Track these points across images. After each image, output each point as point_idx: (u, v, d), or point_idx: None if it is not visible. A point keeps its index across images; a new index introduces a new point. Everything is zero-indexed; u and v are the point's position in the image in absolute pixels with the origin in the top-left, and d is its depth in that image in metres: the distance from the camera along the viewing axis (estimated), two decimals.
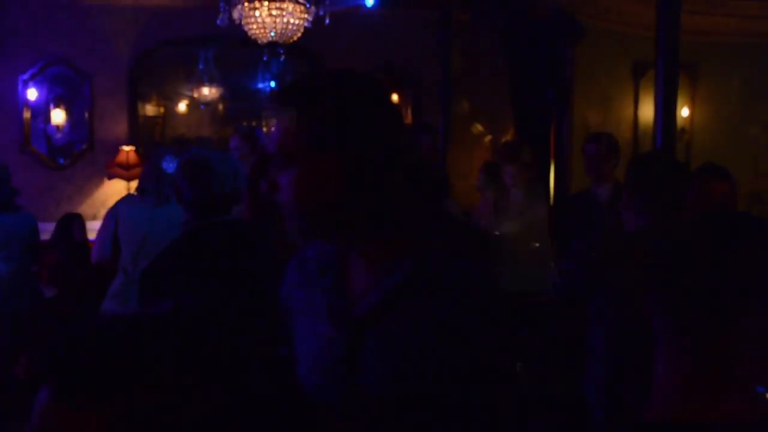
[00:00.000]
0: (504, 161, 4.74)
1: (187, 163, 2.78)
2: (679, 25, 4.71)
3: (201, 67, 7.63)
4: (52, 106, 7.27)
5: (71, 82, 7.28)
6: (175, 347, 0.75)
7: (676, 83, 4.79)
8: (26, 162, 7.15)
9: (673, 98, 4.76)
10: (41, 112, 7.26)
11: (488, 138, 8.32)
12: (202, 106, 7.78)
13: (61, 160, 7.32)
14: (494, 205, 4.81)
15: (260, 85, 7.86)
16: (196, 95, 7.75)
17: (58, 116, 7.29)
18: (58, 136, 7.34)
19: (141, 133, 7.49)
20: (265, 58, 6.17)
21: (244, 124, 7.75)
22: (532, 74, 7.20)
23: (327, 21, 5.11)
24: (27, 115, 7.15)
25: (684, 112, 8.71)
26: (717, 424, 1.08)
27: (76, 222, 6.35)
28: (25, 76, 7.09)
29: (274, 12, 5.01)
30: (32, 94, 7.15)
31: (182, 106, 7.77)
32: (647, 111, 8.23)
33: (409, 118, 8.14)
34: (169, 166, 4.01)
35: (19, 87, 7.09)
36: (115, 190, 7.29)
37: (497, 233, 4.61)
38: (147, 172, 4.12)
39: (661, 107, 4.71)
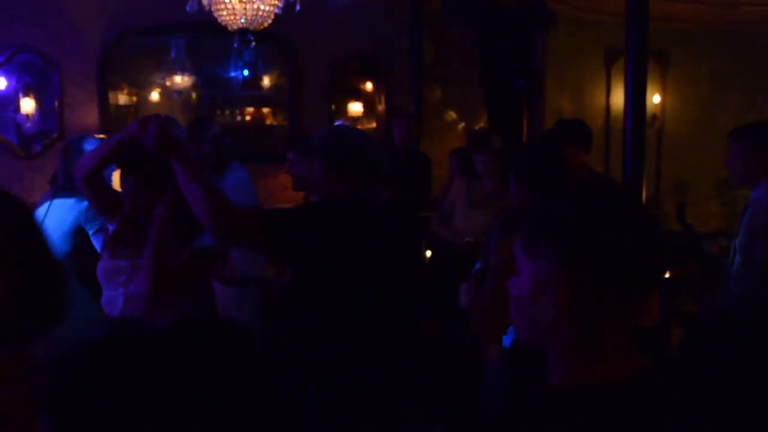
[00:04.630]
0: (473, 150, 4.78)
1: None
2: (647, 12, 4.75)
3: (173, 55, 7.57)
4: (21, 94, 7.18)
5: (40, 70, 7.19)
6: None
7: (646, 70, 4.83)
8: None
9: (642, 84, 4.80)
10: (10, 101, 7.17)
11: (461, 126, 8.34)
12: (174, 95, 7.73)
13: (32, 149, 7.24)
14: (466, 192, 4.81)
15: (232, 73, 7.82)
16: (168, 83, 7.69)
17: (27, 105, 7.20)
18: (28, 125, 7.25)
19: (113, 121, 7.42)
20: (236, 46, 6.13)
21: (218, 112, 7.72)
22: (503, 61, 7.22)
23: (298, 8, 5.08)
24: None
25: (655, 98, 8.77)
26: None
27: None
28: None
29: None
30: (1, 83, 7.06)
31: (155, 95, 7.70)
32: (619, 98, 8.27)
33: (382, 107, 8.14)
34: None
35: None
36: None
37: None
38: (66, 167, 3.98)
39: (630, 94, 4.75)
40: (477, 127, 7.57)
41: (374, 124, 8.21)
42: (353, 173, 2.69)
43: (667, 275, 4.59)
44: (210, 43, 7.54)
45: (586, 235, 1.18)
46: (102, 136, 6.96)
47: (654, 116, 8.50)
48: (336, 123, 3.14)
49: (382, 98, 8.11)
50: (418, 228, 2.90)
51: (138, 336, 0.80)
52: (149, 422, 0.74)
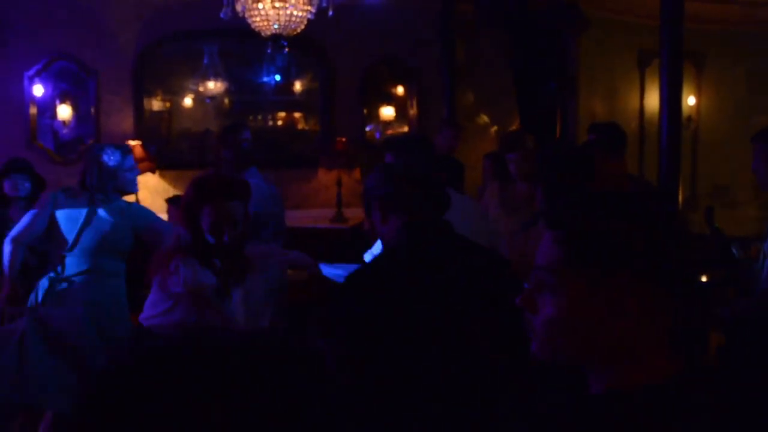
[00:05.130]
0: (507, 149, 4.68)
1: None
2: (683, 14, 4.71)
3: (206, 61, 7.64)
4: (57, 101, 7.29)
5: (76, 77, 7.30)
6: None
7: (681, 72, 4.79)
8: (33, 158, 7.11)
9: (678, 87, 4.76)
10: (47, 107, 7.28)
11: (493, 129, 8.31)
12: (207, 100, 7.79)
13: (68, 156, 7.34)
14: (499, 197, 4.77)
15: (265, 78, 7.87)
16: (201, 89, 7.76)
17: (64, 112, 7.31)
18: (65, 131, 7.36)
19: (147, 127, 7.51)
20: (269, 51, 6.17)
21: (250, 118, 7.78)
22: (536, 65, 7.20)
23: (330, 13, 5.11)
24: (33, 111, 7.17)
25: (690, 100, 8.68)
26: None
27: None
28: (31, 72, 7.10)
29: (277, 4, 5.01)
30: (38, 90, 7.17)
31: (188, 101, 7.78)
32: (653, 100, 8.20)
33: (413, 111, 8.15)
34: (110, 159, 4.02)
35: (25, 83, 7.10)
36: None
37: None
38: (89, 166, 4.08)
39: (666, 96, 4.72)
40: (510, 129, 7.55)
41: (406, 128, 8.22)
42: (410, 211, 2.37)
43: (704, 279, 4.54)
44: (242, 48, 7.60)
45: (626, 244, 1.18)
46: (134, 142, 7.06)
47: (689, 118, 8.42)
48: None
49: (414, 102, 8.11)
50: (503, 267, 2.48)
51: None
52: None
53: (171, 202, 6.08)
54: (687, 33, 4.71)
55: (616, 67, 8.41)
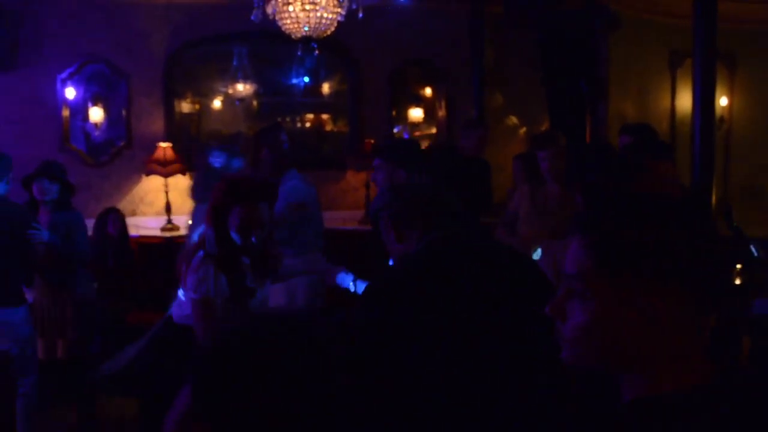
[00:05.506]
0: (538, 147, 4.61)
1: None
2: (716, 13, 4.65)
3: (235, 63, 7.69)
4: (90, 104, 7.37)
5: (108, 80, 7.37)
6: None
7: (714, 72, 4.73)
8: (65, 159, 7.21)
9: (711, 88, 4.70)
10: (79, 110, 7.36)
11: (522, 130, 8.27)
12: (236, 102, 7.84)
13: (100, 158, 7.42)
14: (530, 199, 4.71)
15: (294, 81, 7.90)
16: (230, 91, 7.80)
17: (96, 114, 7.39)
18: (97, 133, 7.44)
19: (177, 130, 7.57)
20: (299, 53, 6.19)
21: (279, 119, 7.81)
22: (566, 65, 7.14)
23: (360, 15, 5.11)
24: (66, 113, 7.26)
25: (722, 101, 8.59)
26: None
27: (112, 216, 6.45)
28: (63, 75, 7.19)
29: (307, 6, 5.02)
30: (70, 92, 7.25)
31: (217, 103, 7.83)
32: (684, 101, 8.13)
33: (442, 112, 8.13)
34: (217, 160, 4.07)
35: (58, 86, 7.19)
36: (152, 186, 7.38)
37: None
38: (198, 178, 4.17)
39: (699, 97, 4.66)
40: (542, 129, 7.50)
41: (434, 130, 8.21)
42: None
43: (737, 282, 4.48)
44: (271, 51, 7.64)
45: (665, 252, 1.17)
46: (165, 144, 7.12)
47: (721, 119, 8.32)
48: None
49: (443, 104, 8.10)
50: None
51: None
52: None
53: None
54: (719, 33, 4.66)
55: (647, 67, 8.34)
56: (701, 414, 1.14)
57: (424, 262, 2.24)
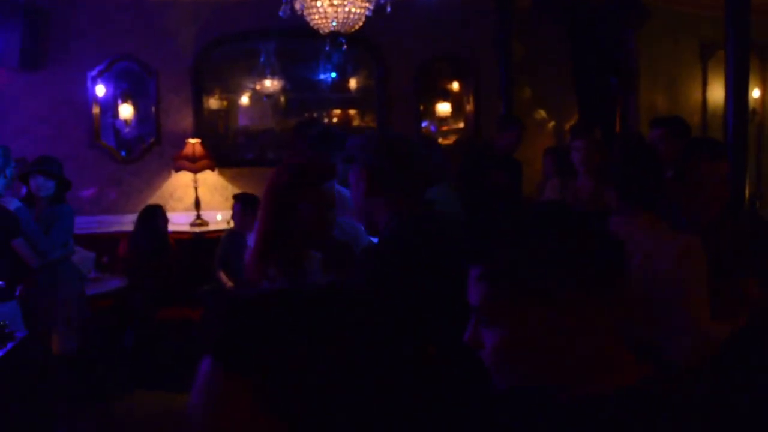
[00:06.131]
0: (575, 136, 4.57)
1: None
2: (749, 4, 4.58)
3: (263, 59, 7.70)
4: (119, 101, 7.43)
5: (138, 77, 7.43)
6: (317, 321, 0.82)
7: (748, 64, 4.65)
8: (96, 156, 7.34)
9: (744, 80, 4.63)
10: (109, 107, 7.43)
11: (551, 124, 8.22)
12: (264, 98, 7.86)
13: (130, 154, 7.48)
14: (560, 192, 4.68)
15: (322, 76, 7.90)
16: (258, 87, 7.83)
17: (125, 111, 7.45)
18: (126, 130, 7.50)
19: (206, 126, 7.61)
20: (327, 49, 6.19)
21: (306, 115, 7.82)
22: (595, 58, 7.08)
23: (388, 9, 5.09)
24: (96, 110, 7.32)
25: (755, 93, 8.47)
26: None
27: (161, 213, 6.53)
28: (93, 73, 7.26)
29: (335, 2, 5.02)
30: (100, 90, 7.32)
31: (245, 99, 7.86)
32: (716, 93, 8.03)
33: (470, 107, 8.10)
34: None
35: (88, 83, 7.26)
36: (182, 182, 7.43)
37: None
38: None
39: (732, 89, 4.59)
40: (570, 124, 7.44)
41: (462, 125, 8.18)
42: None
43: None
44: (298, 46, 7.65)
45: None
46: (194, 140, 7.16)
47: (753, 111, 8.20)
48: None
49: (471, 98, 8.07)
50: None
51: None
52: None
53: (238, 199, 6.16)
54: (751, 23, 4.58)
55: (678, 59, 8.24)
56: (626, 415, 1.15)
57: (415, 248, 2.17)
